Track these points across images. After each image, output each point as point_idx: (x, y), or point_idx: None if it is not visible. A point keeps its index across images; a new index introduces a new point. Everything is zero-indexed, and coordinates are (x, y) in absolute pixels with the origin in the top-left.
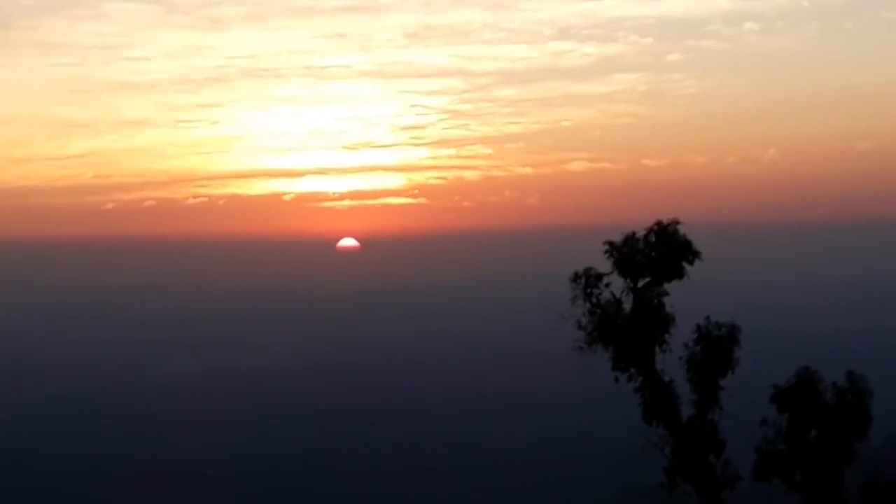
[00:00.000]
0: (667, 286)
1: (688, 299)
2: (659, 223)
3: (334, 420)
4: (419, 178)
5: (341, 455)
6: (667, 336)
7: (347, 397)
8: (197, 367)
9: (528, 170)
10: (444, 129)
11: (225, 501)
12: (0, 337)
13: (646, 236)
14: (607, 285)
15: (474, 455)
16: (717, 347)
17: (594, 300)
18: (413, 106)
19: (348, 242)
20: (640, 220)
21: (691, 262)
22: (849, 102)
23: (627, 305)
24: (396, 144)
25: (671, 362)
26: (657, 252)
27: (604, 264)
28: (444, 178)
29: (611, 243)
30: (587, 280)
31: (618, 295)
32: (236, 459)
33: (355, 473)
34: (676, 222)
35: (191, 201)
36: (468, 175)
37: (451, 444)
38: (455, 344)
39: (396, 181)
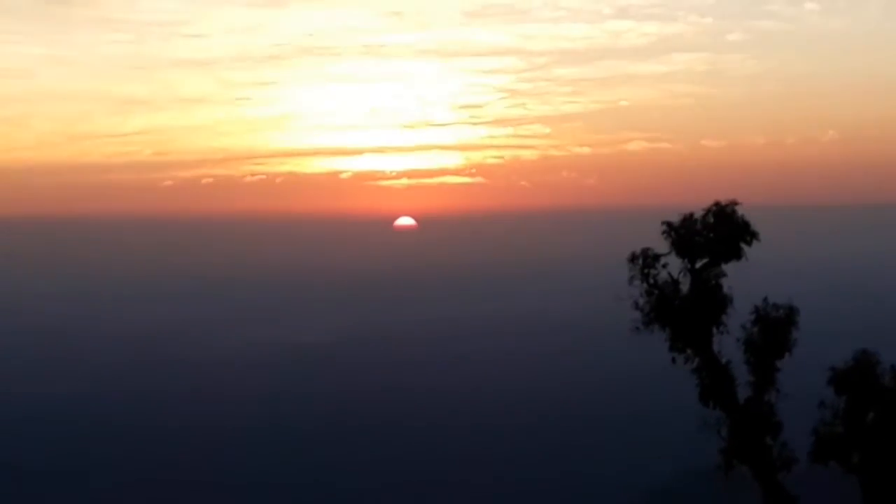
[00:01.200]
0: (724, 267)
1: (746, 280)
2: (717, 204)
3: (388, 395)
4: (477, 157)
5: (390, 431)
6: (724, 317)
7: (402, 374)
8: (257, 343)
9: (586, 150)
10: (502, 108)
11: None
12: (61, 311)
13: (704, 217)
14: (665, 266)
15: (529, 436)
16: (774, 329)
17: (651, 281)
18: (471, 85)
19: (406, 221)
20: (698, 201)
21: (749, 244)
22: None
23: (685, 286)
24: (454, 123)
25: (728, 344)
26: (715, 233)
27: (661, 245)
28: (502, 158)
29: (668, 224)
30: (645, 260)
31: (675, 276)
32: (289, 430)
33: (404, 449)
34: (735, 203)
35: (249, 179)
36: (526, 154)
37: (504, 426)
38: (513, 323)
39: (454, 160)
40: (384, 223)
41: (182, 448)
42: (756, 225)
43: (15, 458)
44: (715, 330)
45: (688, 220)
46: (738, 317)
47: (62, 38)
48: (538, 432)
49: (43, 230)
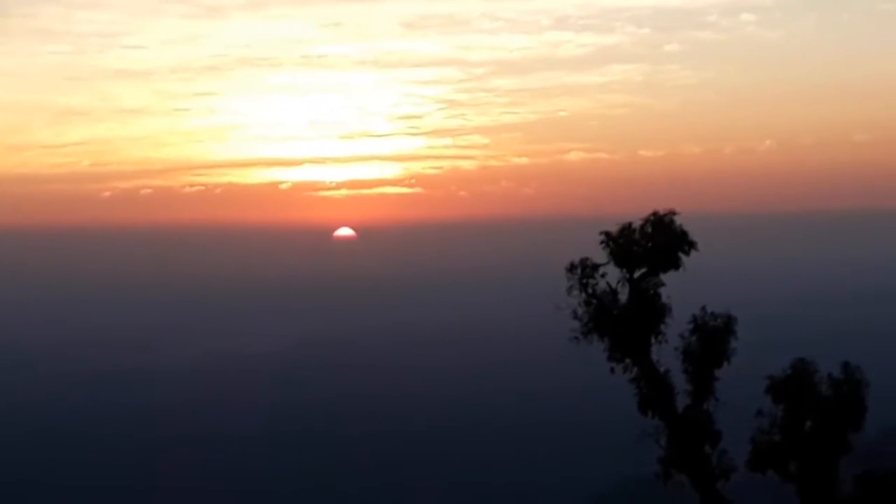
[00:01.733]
0: (663, 277)
1: (684, 290)
2: (655, 214)
3: (330, 406)
4: (416, 167)
5: (336, 442)
6: (662, 327)
7: (343, 384)
8: (194, 355)
9: (524, 160)
10: (440, 118)
11: (225, 488)
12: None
13: (642, 227)
14: (603, 276)
15: (468, 443)
16: (712, 338)
17: (590, 290)
18: (409, 95)
19: (345, 232)
20: (636, 211)
21: (687, 253)
22: (846, 94)
23: (623, 296)
24: (393, 134)
25: (667, 353)
26: (653, 242)
27: (600, 255)
28: (441, 168)
29: (607, 234)
30: (583, 270)
31: (614, 285)
32: (232, 445)
33: (349, 459)
34: (673, 213)
35: (188, 190)
36: (465, 165)
37: (446, 433)
38: (450, 333)
39: (393, 171)
40: (324, 233)
41: (131, 455)
42: (694, 234)
43: None
44: (653, 339)
45: (626, 229)
46: (677, 326)
47: None
48: (475, 441)
49: None
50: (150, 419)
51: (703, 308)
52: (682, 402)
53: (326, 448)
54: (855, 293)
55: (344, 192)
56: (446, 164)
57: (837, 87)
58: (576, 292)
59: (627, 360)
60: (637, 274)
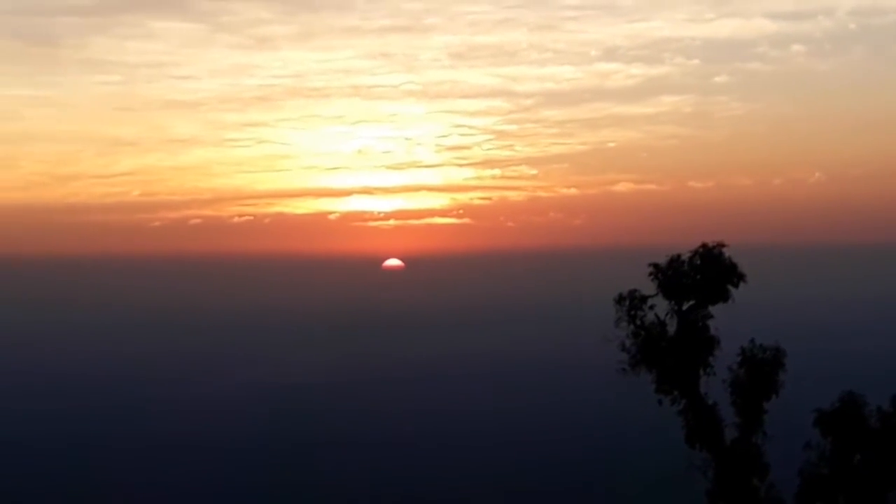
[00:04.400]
0: (711, 309)
1: (733, 322)
2: (704, 245)
3: (374, 436)
4: (464, 198)
5: (372, 469)
6: (711, 359)
7: (390, 415)
8: (242, 385)
9: (573, 191)
10: (488, 149)
11: None
12: (48, 351)
13: (691, 258)
14: (652, 307)
15: (512, 476)
16: (761, 370)
17: (638, 322)
18: (458, 126)
19: (393, 262)
20: (685, 243)
21: (736, 285)
22: (888, 136)
23: (672, 328)
24: (441, 164)
25: (715, 385)
26: (702, 274)
27: (648, 286)
28: (489, 199)
29: (655, 265)
30: (632, 302)
31: (662, 317)
32: (279, 473)
33: (384, 486)
34: (722, 245)
35: (236, 220)
36: (513, 195)
37: (487, 464)
38: (499, 364)
39: (441, 201)
40: (372, 264)
41: (167, 485)
42: (743, 266)
43: None
44: (702, 371)
45: (675, 261)
46: (726, 358)
47: (49, 79)
48: (525, 474)
49: (31, 270)
50: (185, 449)
51: (752, 340)
52: (730, 434)
53: (366, 477)
54: None
55: (392, 222)
56: (494, 194)
57: (888, 118)
58: (624, 324)
59: (675, 392)
60: (686, 306)
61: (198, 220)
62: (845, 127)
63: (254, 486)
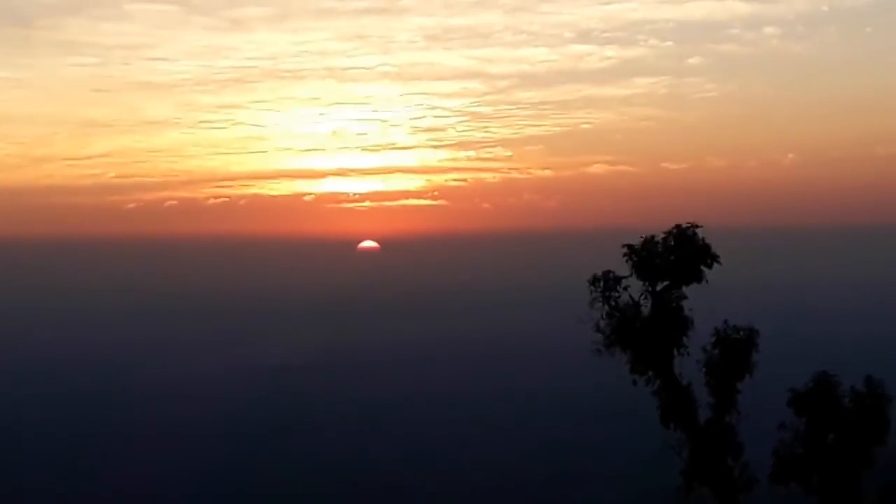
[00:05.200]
0: (685, 290)
1: (706, 303)
2: (678, 227)
3: (349, 418)
4: (439, 179)
5: (350, 453)
6: (685, 339)
7: (364, 395)
8: (216, 366)
9: (547, 172)
10: (463, 131)
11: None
12: (21, 335)
13: (665, 240)
14: (626, 288)
15: (489, 455)
16: (734, 351)
17: (613, 303)
18: (433, 108)
19: (368, 244)
20: (659, 224)
21: (710, 266)
22: (869, 106)
23: (646, 309)
24: (416, 146)
25: (689, 365)
26: (676, 255)
27: (623, 267)
28: (464, 181)
29: (630, 246)
30: (606, 283)
31: (636, 298)
32: (251, 455)
33: (363, 470)
34: (695, 226)
35: (212, 201)
36: (488, 177)
37: (464, 445)
38: (473, 345)
39: (416, 183)
40: (347, 245)
41: (153, 467)
42: (717, 247)
43: None
44: (676, 352)
45: (649, 242)
46: (699, 339)
47: (23, 61)
48: (491, 453)
49: (4, 252)
50: (161, 434)
51: (726, 321)
52: (704, 414)
53: (339, 459)
54: (879, 307)
55: (367, 204)
56: (469, 176)
57: (861, 99)
58: (598, 305)
59: (650, 373)
60: (659, 287)
61: (173, 202)
62: (819, 109)
63: (231, 471)
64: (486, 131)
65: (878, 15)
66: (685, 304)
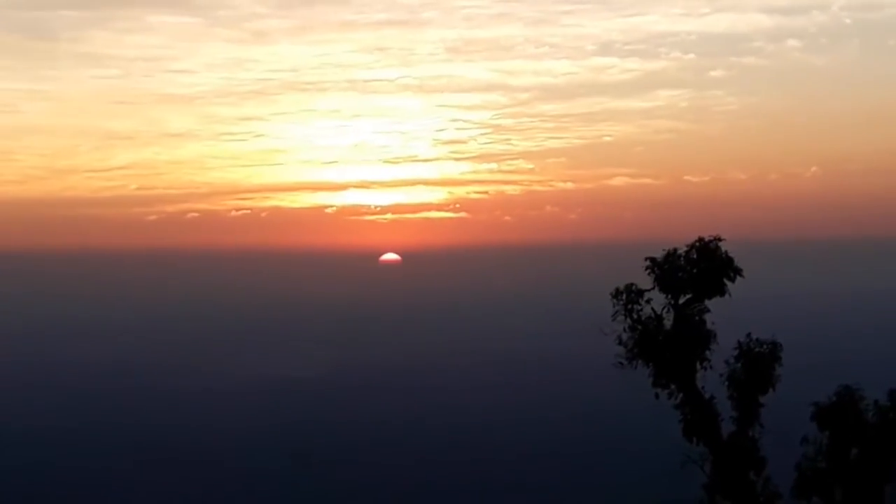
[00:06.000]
0: (708, 303)
1: (729, 316)
2: (700, 240)
3: (371, 428)
4: (460, 192)
5: (373, 459)
6: (708, 353)
7: (385, 408)
8: (240, 378)
9: (569, 185)
10: (485, 143)
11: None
12: (44, 344)
13: (687, 253)
14: (648, 301)
15: (504, 465)
16: (758, 365)
17: (635, 316)
18: (454, 120)
19: (390, 256)
20: (681, 237)
21: (733, 279)
22: (891, 119)
23: (668, 321)
24: (438, 159)
25: (712, 379)
26: (698, 269)
27: (645, 280)
28: (486, 193)
29: (652, 259)
30: (628, 296)
31: (659, 311)
32: (273, 462)
33: (388, 481)
34: (718, 239)
35: (233, 213)
36: (509, 189)
37: (486, 454)
38: (494, 357)
39: (437, 195)
40: (369, 258)
41: (170, 475)
42: (740, 261)
43: None
44: (698, 365)
45: (671, 255)
46: (722, 352)
47: (47, 73)
48: (522, 463)
49: (27, 264)
50: (182, 442)
51: (749, 335)
52: (726, 428)
53: (363, 472)
54: None
55: (389, 216)
56: (491, 188)
57: (883, 112)
58: (621, 318)
59: (672, 386)
60: (682, 300)
61: (195, 214)
62: (841, 122)
63: (253, 484)
64: (507, 144)
65: None
66: (708, 317)
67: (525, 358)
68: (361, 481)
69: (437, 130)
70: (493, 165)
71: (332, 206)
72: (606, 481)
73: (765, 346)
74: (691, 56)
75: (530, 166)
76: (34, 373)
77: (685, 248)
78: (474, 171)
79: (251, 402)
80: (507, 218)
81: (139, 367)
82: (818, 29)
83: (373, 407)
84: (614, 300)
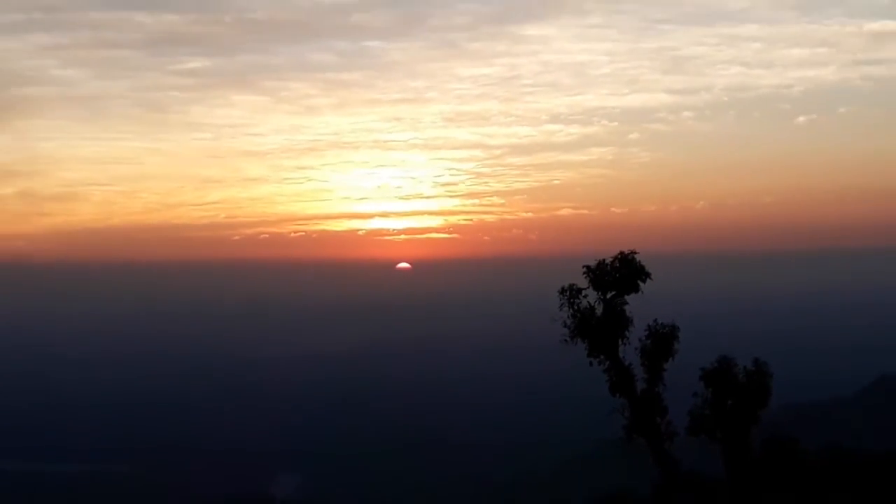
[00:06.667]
0: (627, 298)
1: (642, 307)
2: (621, 253)
3: (389, 382)
4: (453, 219)
5: (392, 405)
6: (627, 333)
7: (401, 377)
8: (292, 353)
9: (529, 214)
10: (470, 185)
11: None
12: (161, 333)
13: (612, 262)
14: (585, 296)
15: (490, 415)
16: (662, 341)
17: (575, 307)
18: (449, 169)
19: (404, 265)
20: (608, 251)
21: (644, 281)
22: (756, 168)
23: (599, 311)
24: (437, 196)
25: (630, 352)
26: (620, 273)
27: (582, 281)
28: (471, 220)
29: (587, 267)
30: (570, 293)
31: (592, 303)
32: (331, 399)
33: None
34: (634, 252)
35: (293, 235)
36: (487, 218)
37: (474, 401)
38: (478, 338)
39: (437, 222)
40: (388, 266)
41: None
42: (649, 268)
43: None
44: (620, 342)
45: (601, 264)
46: (637, 332)
47: (161, 136)
48: (500, 409)
49: (149, 273)
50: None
51: (655, 320)
52: (640, 386)
53: (384, 407)
54: (764, 311)
55: (402, 237)
56: (474, 217)
57: (752, 162)
58: (565, 308)
59: (602, 357)
60: (609, 295)
61: (266, 235)
62: (721, 170)
63: (306, 426)
64: (485, 185)
65: (762, 103)
66: (627, 308)
67: (496, 339)
68: (380, 414)
69: (436, 176)
70: (476, 201)
71: (362, 230)
72: (558, 425)
73: (667, 328)
74: (615, 123)
75: (502, 201)
76: (165, 346)
77: (611, 259)
78: (462, 205)
79: (313, 364)
80: (485, 238)
81: (236, 342)
82: (704, 104)
83: (391, 374)
84: (560, 295)
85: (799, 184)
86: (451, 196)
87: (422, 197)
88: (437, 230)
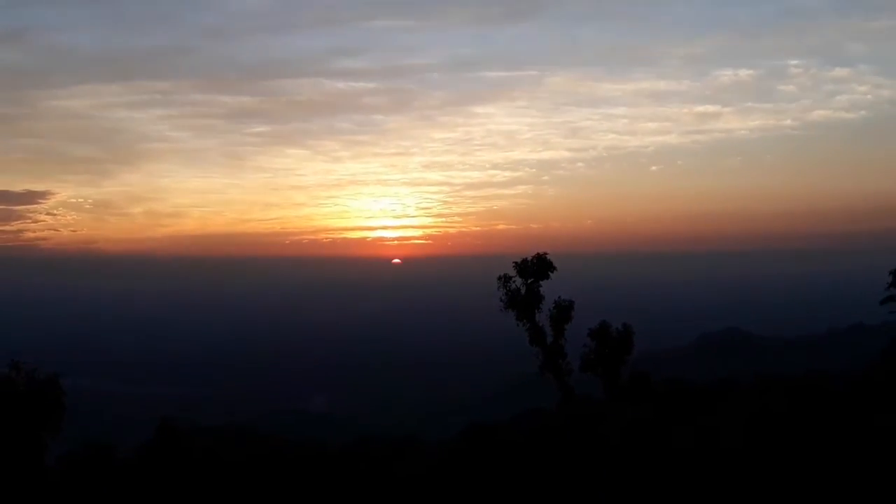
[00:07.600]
0: (542, 282)
1: (552, 288)
2: (538, 254)
3: (386, 343)
4: (429, 231)
5: (384, 360)
6: (542, 305)
7: (398, 339)
8: (331, 317)
9: (478, 228)
10: (439, 209)
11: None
12: (240, 300)
13: (532, 259)
14: (514, 281)
15: (454, 349)
16: (563, 310)
17: (508, 288)
18: (426, 198)
19: (397, 261)
20: (529, 252)
21: (552, 272)
22: (623, 199)
23: (523, 291)
24: (418, 216)
25: (543, 318)
26: (537, 267)
27: (512, 272)
28: (441, 231)
29: (516, 262)
30: (505, 279)
31: (519, 286)
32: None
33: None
34: (546, 253)
35: (324, 240)
36: (450, 230)
37: (442, 345)
38: (445, 303)
39: (418, 232)
40: (386, 262)
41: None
42: (556, 263)
43: None
44: (537, 310)
45: (525, 260)
46: (548, 304)
47: (238, 175)
48: (456, 348)
49: (233, 265)
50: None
51: (559, 297)
52: (549, 340)
53: (372, 358)
54: (622, 291)
55: (395, 242)
56: (442, 230)
57: (620, 196)
58: (501, 289)
59: (525, 320)
60: (529, 281)
61: (307, 241)
62: (603, 201)
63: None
64: (449, 209)
65: (630, 158)
66: (541, 289)
67: (461, 301)
68: (371, 363)
69: (418, 203)
70: (443, 219)
71: (370, 237)
72: (490, 363)
73: (566, 302)
74: (534, 170)
75: (460, 220)
76: (248, 322)
77: (531, 257)
78: (434, 222)
79: (351, 320)
80: (449, 243)
81: (297, 309)
82: (591, 157)
83: (392, 338)
84: (498, 281)
85: (650, 209)
86: (427, 216)
87: (408, 216)
88: (418, 238)
